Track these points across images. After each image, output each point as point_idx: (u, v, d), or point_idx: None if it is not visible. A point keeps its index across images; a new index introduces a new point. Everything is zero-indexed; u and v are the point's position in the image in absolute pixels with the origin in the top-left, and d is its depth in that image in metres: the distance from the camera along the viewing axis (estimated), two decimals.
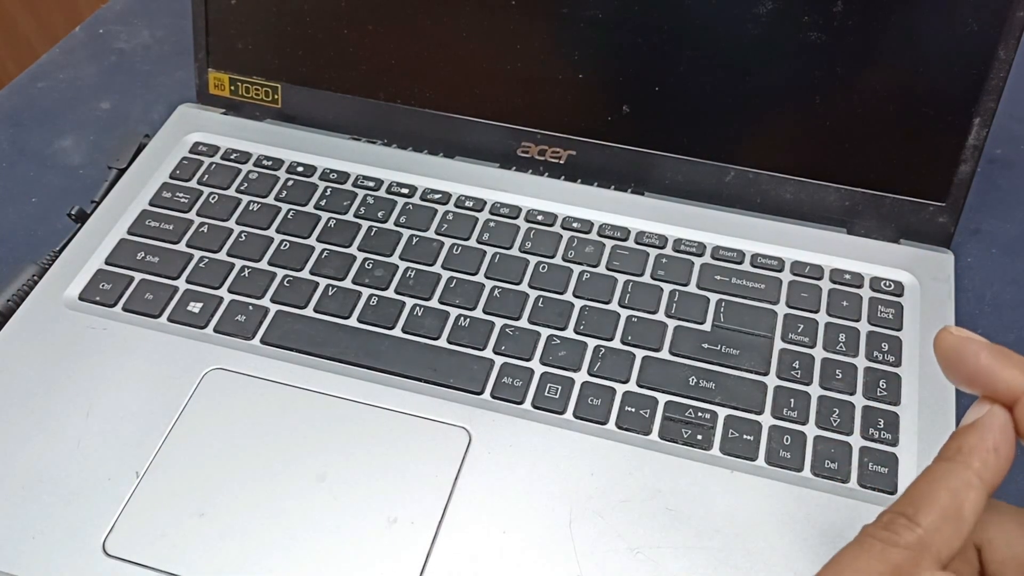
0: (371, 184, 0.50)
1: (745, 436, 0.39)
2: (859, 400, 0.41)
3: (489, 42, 0.49)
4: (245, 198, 0.49)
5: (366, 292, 0.45)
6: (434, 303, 0.44)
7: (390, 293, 0.45)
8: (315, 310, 0.44)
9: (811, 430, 0.40)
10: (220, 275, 0.45)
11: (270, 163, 0.51)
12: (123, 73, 0.61)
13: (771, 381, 0.41)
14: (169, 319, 0.44)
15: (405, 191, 0.50)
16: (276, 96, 0.53)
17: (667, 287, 0.45)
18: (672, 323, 0.44)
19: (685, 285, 0.45)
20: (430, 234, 0.48)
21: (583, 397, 0.41)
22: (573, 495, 0.38)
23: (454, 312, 0.44)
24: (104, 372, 0.41)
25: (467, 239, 0.47)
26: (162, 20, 0.65)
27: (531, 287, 0.45)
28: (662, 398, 0.41)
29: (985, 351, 0.27)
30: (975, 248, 0.50)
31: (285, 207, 0.49)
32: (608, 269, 0.46)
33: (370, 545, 0.36)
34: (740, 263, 0.46)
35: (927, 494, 0.25)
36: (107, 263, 0.46)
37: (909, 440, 0.39)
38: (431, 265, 0.46)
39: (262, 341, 0.43)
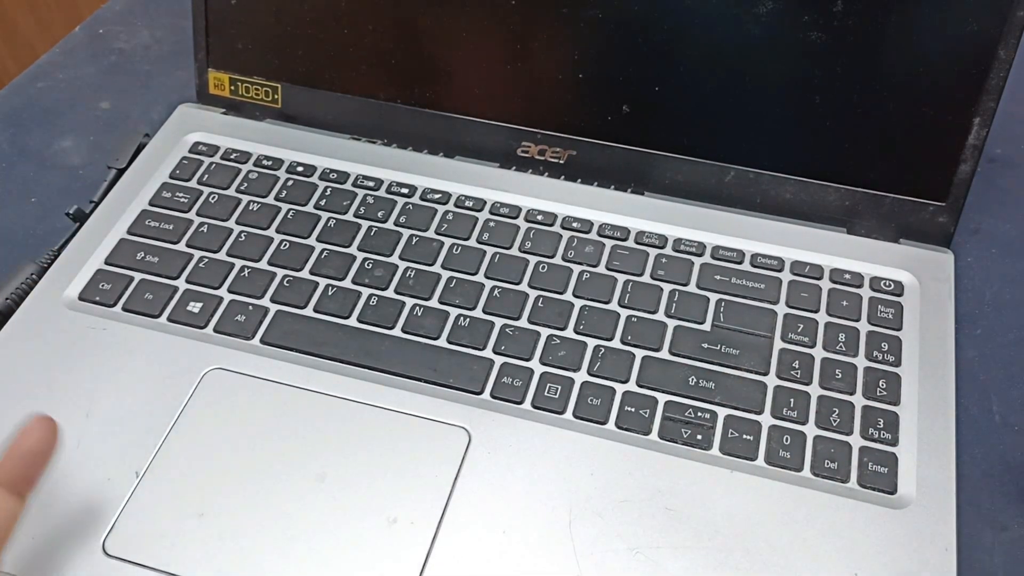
0: (371, 184, 0.50)
1: (745, 436, 0.39)
2: (859, 400, 0.41)
3: (489, 42, 0.49)
4: (245, 198, 0.49)
5: (366, 292, 0.45)
6: (434, 303, 0.44)
7: (390, 293, 0.45)
8: (315, 310, 0.44)
9: (811, 430, 0.40)
10: (220, 275, 0.45)
11: (270, 163, 0.51)
12: (123, 73, 0.61)
13: (771, 381, 0.41)
14: (169, 319, 0.44)
15: (405, 191, 0.50)
16: (276, 96, 0.53)
17: (667, 287, 0.45)
18: (672, 323, 0.44)
19: (685, 285, 0.45)
20: (430, 234, 0.48)
21: (583, 397, 0.41)
22: (573, 495, 0.38)
23: (454, 312, 0.44)
24: (104, 372, 0.41)
25: (467, 239, 0.47)
26: (162, 20, 0.65)
27: (531, 287, 0.45)
28: (662, 398, 0.41)
29: None
30: (975, 248, 0.50)
31: (285, 207, 0.49)
32: (608, 269, 0.46)
33: (370, 545, 0.36)
34: (740, 263, 0.46)
35: None
36: (107, 263, 0.46)
37: (909, 440, 0.39)
38: (431, 265, 0.46)
39: (262, 341, 0.43)
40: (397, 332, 0.43)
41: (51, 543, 0.36)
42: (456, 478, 0.38)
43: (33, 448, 0.33)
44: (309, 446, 0.39)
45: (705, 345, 0.43)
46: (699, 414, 0.40)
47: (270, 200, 0.49)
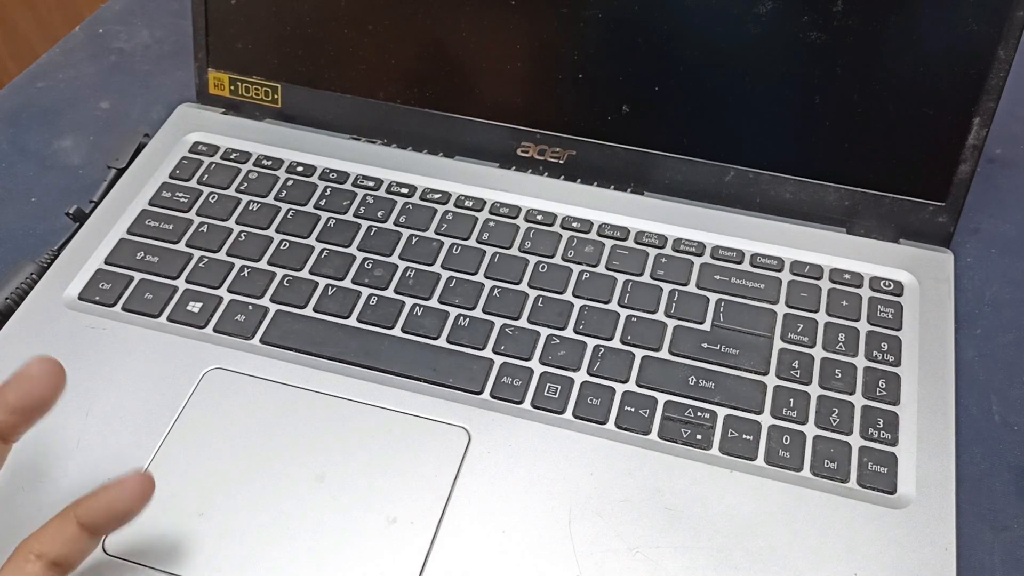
0: (371, 184, 0.50)
1: (744, 436, 0.39)
2: (858, 400, 0.41)
3: (489, 42, 0.49)
4: (245, 198, 0.49)
5: (366, 292, 0.45)
6: (434, 303, 0.44)
7: (390, 293, 0.45)
8: (315, 310, 0.44)
9: (810, 430, 0.40)
10: (220, 275, 0.45)
11: (270, 163, 0.51)
12: (123, 73, 0.61)
13: (771, 381, 0.41)
14: (169, 319, 0.44)
15: (405, 191, 0.50)
16: (276, 96, 0.53)
17: (667, 287, 0.45)
18: (672, 323, 0.44)
19: (685, 285, 0.45)
20: (430, 234, 0.48)
21: (582, 397, 0.41)
22: (572, 495, 0.38)
23: (453, 312, 0.44)
24: (104, 372, 0.42)
25: (467, 239, 0.47)
26: (162, 20, 0.65)
27: (531, 287, 0.45)
28: (661, 398, 0.41)
29: None
30: (975, 248, 0.50)
31: (285, 207, 0.49)
32: (608, 269, 0.46)
33: (370, 545, 0.36)
34: (740, 263, 0.46)
35: None
36: (107, 263, 0.46)
37: (908, 440, 0.39)
38: (431, 265, 0.46)
39: (262, 341, 0.43)
40: (397, 332, 0.43)
41: None
42: (456, 478, 0.38)
43: (125, 508, 0.32)
44: (309, 446, 0.39)
45: (705, 345, 0.43)
46: (699, 414, 0.40)
47: (270, 200, 0.49)
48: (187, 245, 0.47)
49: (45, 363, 0.32)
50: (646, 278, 0.46)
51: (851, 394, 0.41)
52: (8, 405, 0.32)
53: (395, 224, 0.48)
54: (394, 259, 0.46)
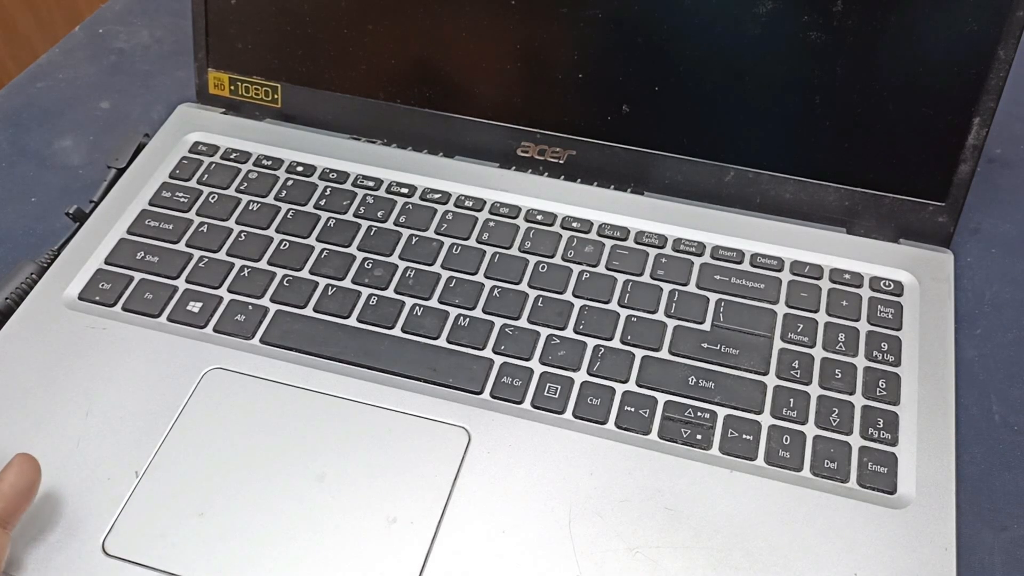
0: (371, 184, 0.50)
1: (744, 436, 0.39)
2: (858, 400, 0.41)
3: (489, 42, 0.49)
4: (245, 198, 0.49)
5: (365, 292, 0.45)
6: (433, 303, 0.44)
7: (389, 293, 0.45)
8: (315, 310, 0.44)
9: (810, 430, 0.40)
10: (220, 275, 0.45)
11: (270, 163, 0.51)
12: (123, 73, 0.61)
13: (770, 381, 0.41)
14: (169, 319, 0.44)
15: (405, 191, 0.50)
16: (276, 96, 0.53)
17: (667, 287, 0.45)
18: (672, 323, 0.44)
19: (685, 285, 0.45)
20: (430, 234, 0.48)
21: (582, 397, 0.41)
22: (572, 495, 0.38)
23: (453, 312, 0.44)
24: (104, 372, 0.42)
25: (467, 239, 0.47)
26: (162, 20, 0.65)
27: (531, 287, 0.45)
28: (661, 398, 0.41)
29: None
30: (975, 248, 0.50)
31: (285, 207, 0.49)
32: (608, 269, 0.46)
33: (369, 545, 0.36)
34: (740, 263, 0.46)
35: None
36: (107, 263, 0.46)
37: (908, 440, 0.39)
38: (431, 265, 0.46)
39: (262, 341, 0.43)
40: (397, 332, 0.43)
41: (51, 543, 0.36)
42: (456, 478, 0.38)
43: (17, 484, 0.34)
44: (309, 446, 0.39)
45: (705, 345, 0.43)
46: (699, 414, 0.40)
47: (270, 200, 0.49)
48: (187, 245, 0.47)
49: (25, 457, 0.35)
50: (646, 278, 0.46)
51: (851, 394, 0.41)
52: (3, 493, 0.34)
53: (395, 224, 0.48)
54: (394, 259, 0.46)
